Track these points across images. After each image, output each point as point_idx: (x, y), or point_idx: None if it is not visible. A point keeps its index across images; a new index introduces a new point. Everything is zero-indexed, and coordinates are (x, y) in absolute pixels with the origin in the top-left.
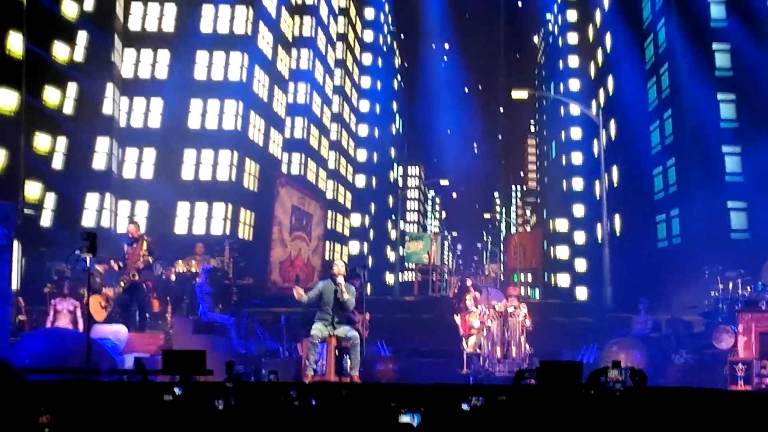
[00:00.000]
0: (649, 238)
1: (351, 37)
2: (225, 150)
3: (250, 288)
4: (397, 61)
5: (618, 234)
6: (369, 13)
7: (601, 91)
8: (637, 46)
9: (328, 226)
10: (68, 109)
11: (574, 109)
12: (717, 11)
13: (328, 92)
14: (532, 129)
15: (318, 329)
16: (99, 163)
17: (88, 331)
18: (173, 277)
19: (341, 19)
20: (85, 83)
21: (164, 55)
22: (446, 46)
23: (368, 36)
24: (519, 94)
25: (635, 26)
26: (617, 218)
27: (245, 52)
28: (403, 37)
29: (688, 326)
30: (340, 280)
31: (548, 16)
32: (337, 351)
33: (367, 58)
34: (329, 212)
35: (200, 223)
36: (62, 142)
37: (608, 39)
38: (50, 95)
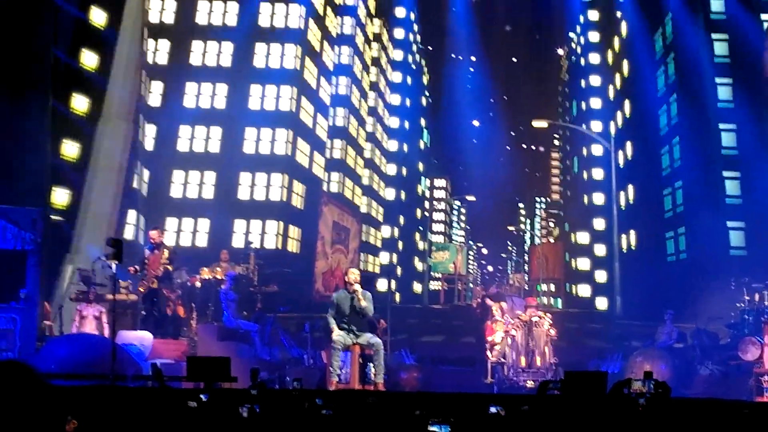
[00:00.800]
0: (660, 252)
1: (383, 59)
2: (276, 173)
3: (275, 295)
4: (425, 78)
5: (633, 248)
6: (399, 33)
7: (619, 114)
8: (652, 74)
9: (363, 239)
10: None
11: (596, 126)
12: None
13: (363, 114)
14: (556, 143)
15: (341, 336)
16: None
17: (113, 336)
18: (198, 284)
19: (374, 44)
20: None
21: (222, 88)
22: (472, 58)
23: (398, 55)
24: (539, 124)
25: (649, 55)
26: (632, 234)
27: (294, 85)
28: (430, 48)
29: (714, 337)
30: (357, 287)
31: (571, 35)
32: (361, 359)
33: (396, 77)
34: (363, 226)
35: (255, 239)
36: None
37: (625, 64)
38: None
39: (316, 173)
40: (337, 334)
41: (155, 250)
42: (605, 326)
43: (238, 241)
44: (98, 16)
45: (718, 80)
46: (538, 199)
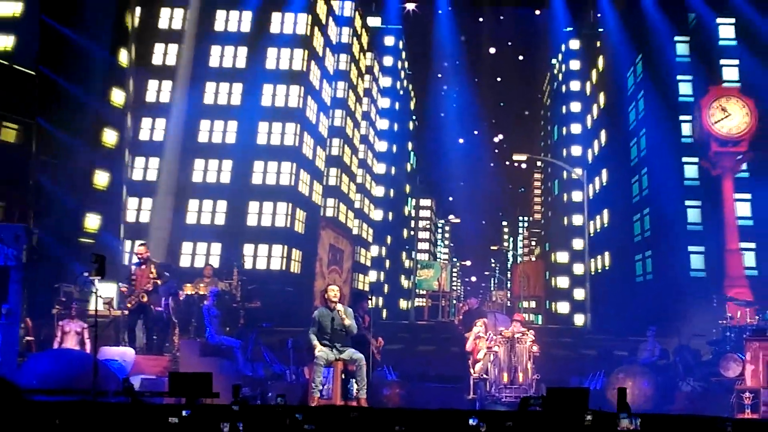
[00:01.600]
0: (630, 273)
1: (374, 89)
2: (281, 202)
3: (258, 311)
4: (412, 104)
5: (607, 268)
6: (387, 60)
7: (596, 142)
8: (625, 108)
9: (355, 259)
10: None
11: (576, 150)
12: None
13: (355, 142)
14: (539, 163)
15: (323, 352)
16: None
17: (95, 352)
18: (181, 300)
19: (367, 76)
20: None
21: (233, 125)
22: (462, 94)
23: (387, 82)
24: (519, 157)
25: (622, 90)
26: (607, 255)
27: (298, 122)
28: (411, 73)
29: (696, 354)
30: (339, 307)
31: (554, 61)
32: (343, 374)
33: (385, 102)
34: (356, 247)
35: (262, 261)
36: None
37: (602, 96)
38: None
39: (314, 200)
40: (320, 350)
41: (142, 266)
42: (584, 342)
43: (247, 264)
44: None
45: (682, 118)
46: (521, 218)
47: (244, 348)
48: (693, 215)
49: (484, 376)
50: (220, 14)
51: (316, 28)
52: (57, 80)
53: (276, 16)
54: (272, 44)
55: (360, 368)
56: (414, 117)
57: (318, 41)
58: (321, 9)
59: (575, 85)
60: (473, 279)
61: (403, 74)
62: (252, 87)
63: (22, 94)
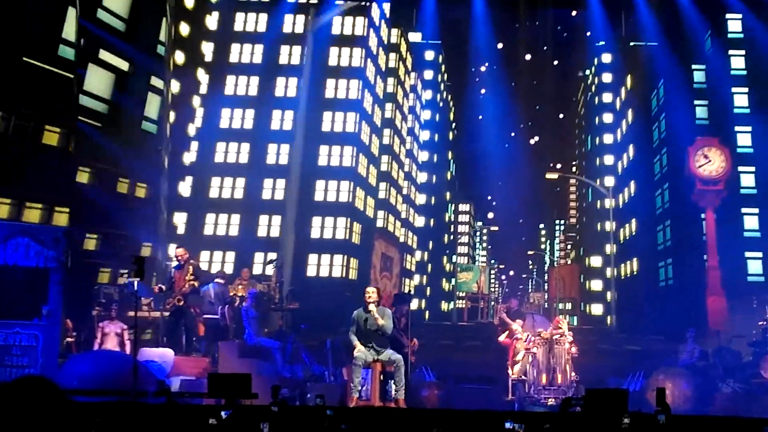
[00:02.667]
0: (655, 278)
1: (417, 106)
2: (341, 217)
3: (297, 312)
4: (451, 114)
5: (635, 273)
6: (428, 74)
7: (625, 155)
8: (649, 127)
9: (402, 265)
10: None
11: (608, 160)
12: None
13: (401, 157)
14: (574, 169)
15: (362, 353)
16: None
17: (135, 353)
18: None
19: (411, 95)
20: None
21: (298, 148)
22: (500, 98)
23: (428, 95)
24: (551, 176)
25: (646, 110)
26: (635, 261)
27: (354, 145)
28: (450, 84)
29: (736, 355)
30: (372, 306)
31: (588, 72)
32: (381, 375)
33: (426, 114)
34: (403, 254)
35: (325, 269)
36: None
37: (630, 113)
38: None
39: (368, 213)
40: (359, 351)
41: (181, 268)
42: (611, 341)
43: (311, 272)
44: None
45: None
46: (557, 221)
47: (283, 349)
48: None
49: (523, 377)
50: (284, 49)
51: (369, 60)
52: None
53: (334, 50)
54: (331, 76)
55: (398, 369)
56: (453, 126)
57: (370, 71)
58: (372, 41)
59: (607, 97)
60: (510, 275)
61: (442, 86)
62: (313, 114)
63: (63, 98)
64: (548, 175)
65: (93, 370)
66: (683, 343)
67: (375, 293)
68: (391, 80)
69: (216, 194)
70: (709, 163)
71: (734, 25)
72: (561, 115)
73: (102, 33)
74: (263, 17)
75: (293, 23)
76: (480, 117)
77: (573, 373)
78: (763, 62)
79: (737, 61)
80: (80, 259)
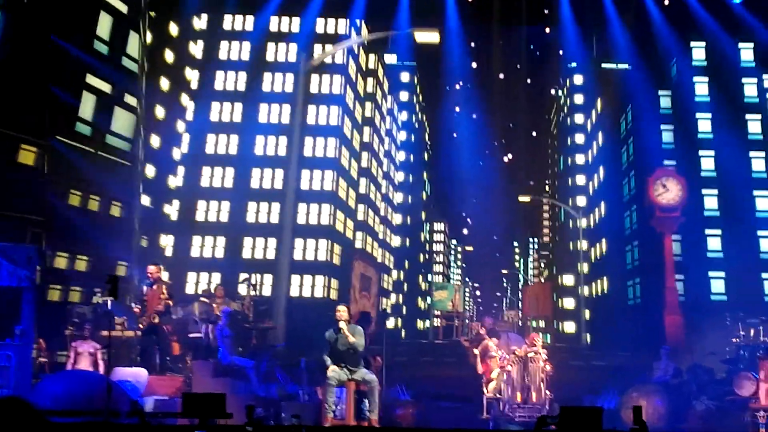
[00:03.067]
0: (623, 297)
1: (394, 129)
2: (322, 239)
3: (271, 331)
4: (427, 135)
5: (606, 292)
6: (404, 95)
7: (596, 176)
8: (618, 150)
9: (380, 285)
10: None
11: (580, 180)
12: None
13: (379, 179)
14: (547, 188)
15: (334, 371)
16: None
17: (108, 373)
18: (195, 320)
19: (388, 118)
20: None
21: (279, 172)
22: (474, 116)
23: (403, 116)
24: (524, 199)
25: (615, 133)
26: (606, 280)
27: (334, 170)
28: (425, 104)
29: (710, 373)
30: (342, 325)
31: (560, 93)
32: (356, 395)
33: (402, 135)
34: (381, 274)
35: (307, 289)
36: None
37: (600, 135)
38: None
39: (347, 235)
40: (332, 370)
41: (153, 286)
42: (583, 358)
43: (294, 292)
44: None
45: (665, 162)
46: (531, 239)
47: (257, 368)
48: (674, 248)
49: (498, 395)
50: (267, 76)
51: (348, 86)
52: (68, 100)
53: (315, 78)
54: (313, 102)
55: (372, 389)
56: (429, 146)
57: (349, 97)
58: (351, 68)
59: (579, 118)
60: (484, 293)
61: (417, 107)
62: (296, 140)
63: (36, 115)
64: (521, 198)
65: (66, 390)
66: (657, 360)
67: (345, 311)
68: (368, 104)
69: (202, 217)
70: (667, 192)
71: (698, 53)
72: (534, 133)
73: (87, 57)
74: (246, 44)
75: (275, 52)
76: (454, 135)
77: (547, 391)
78: (724, 89)
79: (701, 88)
80: (53, 277)
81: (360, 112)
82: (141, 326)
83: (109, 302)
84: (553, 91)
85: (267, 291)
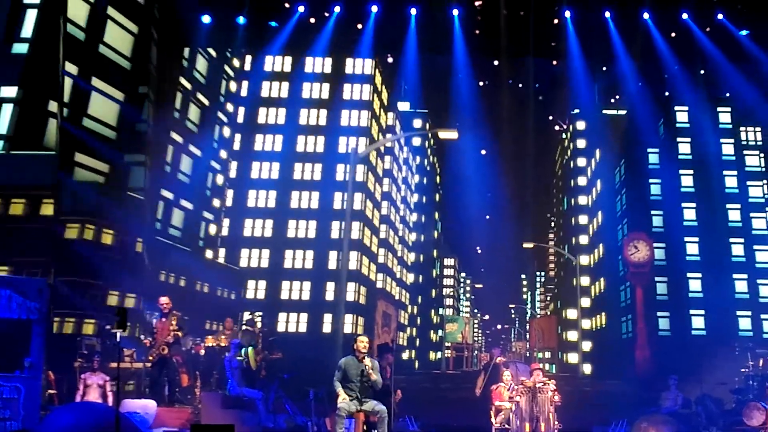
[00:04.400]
0: (618, 331)
1: (410, 176)
2: (350, 282)
3: (280, 363)
4: (438, 178)
5: (604, 326)
6: (416, 141)
7: (595, 220)
8: (613, 199)
9: (398, 320)
10: None
11: (582, 219)
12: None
13: (396, 224)
14: (552, 224)
15: (345, 404)
16: None
17: (117, 405)
18: (202, 352)
19: (404, 167)
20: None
21: (313, 224)
22: (482, 152)
23: (417, 160)
24: (528, 245)
25: (611, 183)
26: (604, 315)
27: (361, 221)
28: (436, 146)
29: (719, 403)
30: (367, 361)
31: (564, 136)
32: (365, 426)
33: (416, 178)
34: (398, 310)
35: (338, 327)
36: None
37: (599, 183)
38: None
39: (371, 277)
40: (342, 401)
41: (163, 318)
42: (582, 385)
43: (326, 329)
44: None
45: (653, 213)
46: (538, 273)
47: (266, 399)
48: (660, 288)
49: (506, 426)
50: (301, 138)
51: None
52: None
53: (342, 140)
54: (341, 161)
55: (382, 420)
56: (440, 188)
57: (372, 155)
58: (374, 129)
59: (581, 162)
60: (494, 326)
61: (429, 151)
62: (326, 194)
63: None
64: (525, 245)
65: (75, 422)
66: (666, 390)
67: (368, 343)
68: (387, 158)
69: (245, 263)
70: (638, 252)
71: (681, 115)
72: (539, 174)
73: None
74: (282, 111)
75: (317, 116)
76: (456, 135)
77: (556, 422)
78: (703, 148)
79: (684, 147)
80: (63, 310)
81: (381, 166)
82: (151, 358)
83: (118, 334)
84: (557, 127)
85: (303, 328)
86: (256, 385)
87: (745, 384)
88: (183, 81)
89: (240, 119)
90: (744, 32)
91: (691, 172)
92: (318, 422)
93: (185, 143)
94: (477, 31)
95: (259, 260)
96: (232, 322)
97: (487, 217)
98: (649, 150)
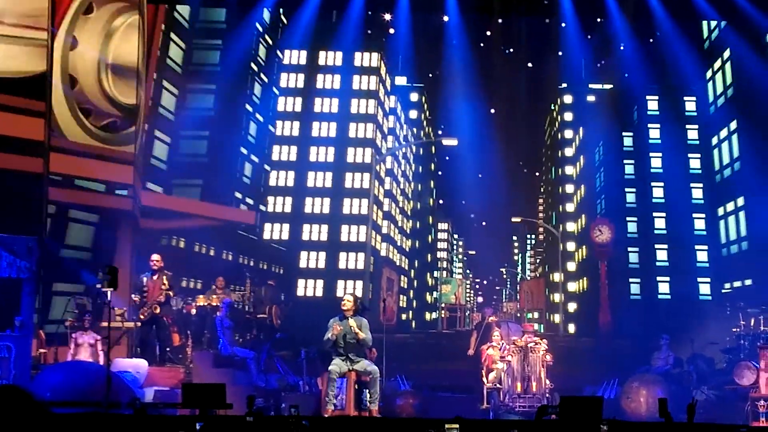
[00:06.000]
0: (598, 294)
1: (409, 153)
2: (360, 253)
3: (268, 322)
4: (433, 148)
5: (586, 289)
6: (413, 113)
7: (578, 192)
8: (592, 177)
9: (399, 285)
10: None
11: (569, 188)
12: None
13: (397, 196)
14: (542, 189)
15: (336, 365)
16: None
17: (108, 364)
18: (194, 311)
19: (403, 143)
20: None
21: (327, 201)
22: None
23: (414, 131)
24: (515, 219)
25: (592, 161)
26: (586, 279)
27: (368, 198)
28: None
29: (710, 362)
30: (351, 321)
31: (553, 106)
32: (356, 385)
33: (413, 149)
34: (400, 276)
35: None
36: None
37: (582, 159)
38: None
39: (377, 247)
40: (333, 363)
41: (154, 276)
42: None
43: (340, 293)
44: None
45: (627, 190)
46: (528, 236)
47: (257, 359)
48: (632, 258)
49: (498, 385)
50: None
51: (378, 132)
52: None
53: (352, 126)
54: (351, 145)
55: (374, 380)
56: (435, 158)
57: (379, 139)
58: (379, 115)
59: (568, 134)
60: (484, 285)
61: (425, 122)
62: (339, 174)
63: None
64: (513, 219)
65: (66, 381)
66: (657, 350)
67: (351, 302)
68: (390, 138)
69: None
70: (602, 234)
71: (652, 104)
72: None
73: None
74: (299, 100)
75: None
76: (456, 142)
77: (547, 381)
78: (671, 136)
79: (654, 132)
80: (53, 268)
81: (385, 145)
82: (141, 317)
83: (109, 293)
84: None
85: (319, 293)
86: (248, 344)
87: (736, 343)
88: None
89: None
90: None
91: (660, 155)
92: (310, 382)
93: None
94: None
95: (280, 233)
96: (223, 281)
97: (479, 175)
98: (624, 133)
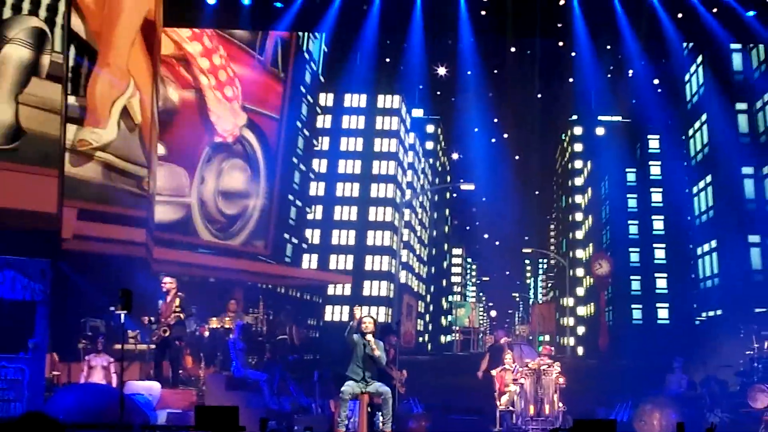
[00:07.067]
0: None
1: (426, 184)
2: (383, 281)
3: (284, 344)
4: (449, 177)
5: (592, 314)
6: (429, 145)
7: (587, 222)
8: (599, 210)
9: (417, 310)
10: None
11: (578, 216)
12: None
13: (414, 225)
14: (553, 215)
15: (349, 386)
16: None
17: (121, 386)
18: (207, 333)
19: (422, 176)
20: None
21: (352, 234)
22: (492, 140)
23: (430, 161)
24: (526, 250)
25: (598, 194)
26: (593, 305)
27: (392, 230)
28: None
29: (723, 385)
30: (369, 337)
31: (564, 136)
32: (369, 407)
33: (428, 178)
34: (417, 301)
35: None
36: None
37: (589, 191)
38: None
39: (398, 275)
40: (346, 385)
41: (167, 298)
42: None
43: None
44: None
45: (630, 222)
46: (540, 261)
47: (270, 381)
48: (635, 285)
49: (510, 408)
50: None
51: (399, 168)
52: None
53: (375, 163)
54: (375, 182)
55: (386, 401)
56: (449, 188)
57: (400, 174)
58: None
59: (578, 164)
60: (493, 314)
61: (441, 153)
62: (364, 207)
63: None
64: (524, 250)
65: (79, 403)
66: (671, 373)
67: (372, 324)
68: (410, 172)
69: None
70: (601, 268)
71: (653, 143)
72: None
73: None
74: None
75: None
76: (473, 187)
77: (560, 404)
78: (670, 171)
79: (654, 169)
80: (67, 291)
81: (404, 180)
82: (154, 339)
83: (122, 316)
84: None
85: (345, 317)
86: (261, 366)
87: (750, 366)
88: None
89: None
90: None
91: (660, 190)
92: (322, 404)
93: None
94: (483, 12)
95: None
96: (235, 304)
97: (488, 199)
98: (627, 169)
